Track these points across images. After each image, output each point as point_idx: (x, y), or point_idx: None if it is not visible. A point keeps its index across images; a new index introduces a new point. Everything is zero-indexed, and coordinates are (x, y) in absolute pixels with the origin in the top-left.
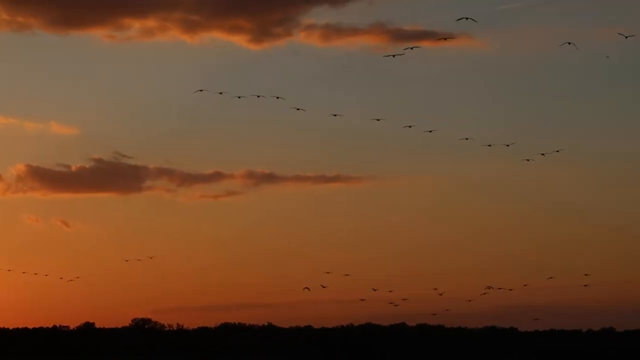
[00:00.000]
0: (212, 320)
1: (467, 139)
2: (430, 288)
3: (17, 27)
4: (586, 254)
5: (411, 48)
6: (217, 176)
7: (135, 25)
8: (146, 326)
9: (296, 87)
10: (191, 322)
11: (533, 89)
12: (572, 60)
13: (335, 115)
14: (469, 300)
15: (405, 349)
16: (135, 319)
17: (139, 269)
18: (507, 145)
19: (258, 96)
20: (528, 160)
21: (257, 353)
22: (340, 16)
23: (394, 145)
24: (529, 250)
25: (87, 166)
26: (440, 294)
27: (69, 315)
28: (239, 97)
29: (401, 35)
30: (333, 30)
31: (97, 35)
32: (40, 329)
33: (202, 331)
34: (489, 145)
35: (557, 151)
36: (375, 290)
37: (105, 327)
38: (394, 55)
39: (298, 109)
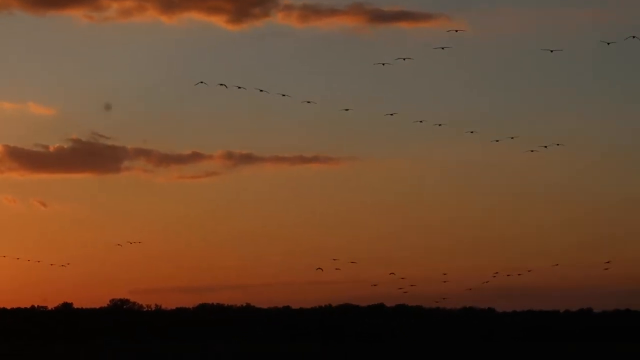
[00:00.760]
0: (190, 301)
1: (440, 124)
2: (410, 270)
3: None
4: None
5: (404, 59)
6: (195, 157)
7: (114, 5)
8: (124, 307)
9: (274, 68)
10: (169, 303)
11: (509, 72)
12: (548, 44)
13: (308, 102)
14: (445, 282)
15: (383, 328)
16: (113, 300)
17: (116, 250)
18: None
19: (261, 90)
20: (497, 141)
21: (236, 333)
22: None
23: (373, 126)
24: (505, 234)
25: (65, 146)
26: (402, 278)
27: (47, 295)
28: (239, 88)
29: (380, 16)
30: (311, 11)
31: (75, 16)
32: (19, 309)
33: (180, 311)
34: (472, 132)
35: (557, 144)
36: (354, 262)
37: (84, 307)
38: (383, 64)
39: (284, 95)
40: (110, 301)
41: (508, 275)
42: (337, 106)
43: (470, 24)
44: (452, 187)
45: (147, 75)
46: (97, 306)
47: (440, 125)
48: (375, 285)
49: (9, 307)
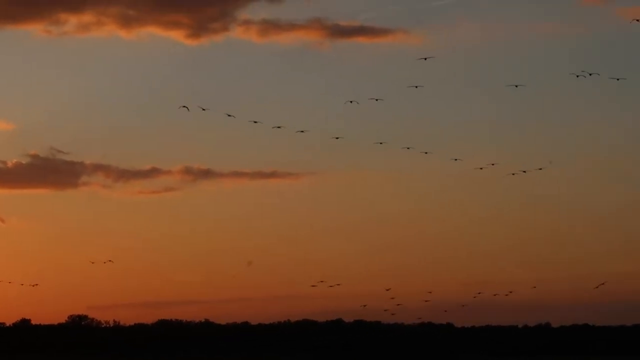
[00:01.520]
0: (148, 317)
1: (408, 148)
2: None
3: None
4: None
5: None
6: (154, 172)
7: (72, 20)
8: (82, 323)
9: (232, 83)
10: (128, 319)
11: (468, 85)
12: (507, 55)
13: (255, 122)
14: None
15: (341, 344)
16: (71, 316)
17: (75, 266)
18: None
19: (229, 115)
20: (456, 159)
21: (195, 348)
22: (277, 11)
23: (331, 141)
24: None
25: (24, 162)
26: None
27: (5, 311)
28: (203, 109)
29: (338, 31)
30: (270, 26)
31: (34, 30)
32: None
33: (139, 327)
34: (426, 153)
35: (550, 163)
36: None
37: (42, 323)
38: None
39: (229, 115)
40: (68, 317)
41: (495, 295)
42: (296, 121)
43: (427, 39)
44: (413, 200)
45: (105, 90)
46: (56, 322)
47: (408, 148)
48: (364, 305)
49: None
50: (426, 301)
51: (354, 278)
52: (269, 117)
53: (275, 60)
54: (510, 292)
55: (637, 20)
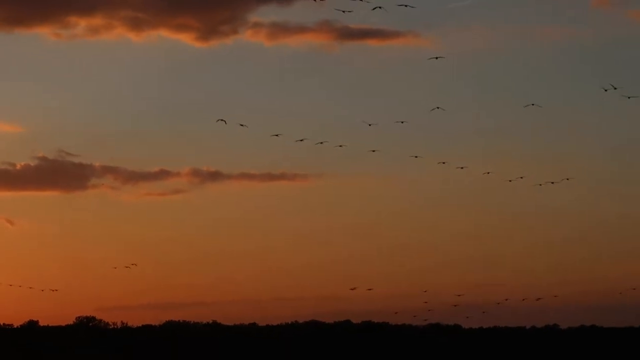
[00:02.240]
0: (156, 318)
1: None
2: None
3: None
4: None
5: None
6: (162, 174)
7: (82, 23)
8: (90, 324)
9: (242, 85)
10: (135, 320)
11: (479, 88)
12: (520, 60)
13: (277, 135)
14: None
15: (350, 345)
16: (79, 317)
17: (83, 267)
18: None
19: (241, 125)
20: (462, 168)
21: (202, 350)
22: (287, 14)
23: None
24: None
25: (32, 164)
26: (369, 289)
27: (12, 313)
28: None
29: (348, 34)
30: (280, 29)
31: (43, 34)
32: None
33: (147, 329)
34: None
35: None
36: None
37: (50, 325)
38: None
39: (242, 125)
40: (76, 318)
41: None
42: (303, 123)
43: (439, 42)
44: (421, 204)
45: (114, 92)
46: (63, 324)
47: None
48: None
49: None
50: (456, 305)
51: (365, 280)
52: (276, 121)
53: (285, 63)
54: (539, 298)
55: None
